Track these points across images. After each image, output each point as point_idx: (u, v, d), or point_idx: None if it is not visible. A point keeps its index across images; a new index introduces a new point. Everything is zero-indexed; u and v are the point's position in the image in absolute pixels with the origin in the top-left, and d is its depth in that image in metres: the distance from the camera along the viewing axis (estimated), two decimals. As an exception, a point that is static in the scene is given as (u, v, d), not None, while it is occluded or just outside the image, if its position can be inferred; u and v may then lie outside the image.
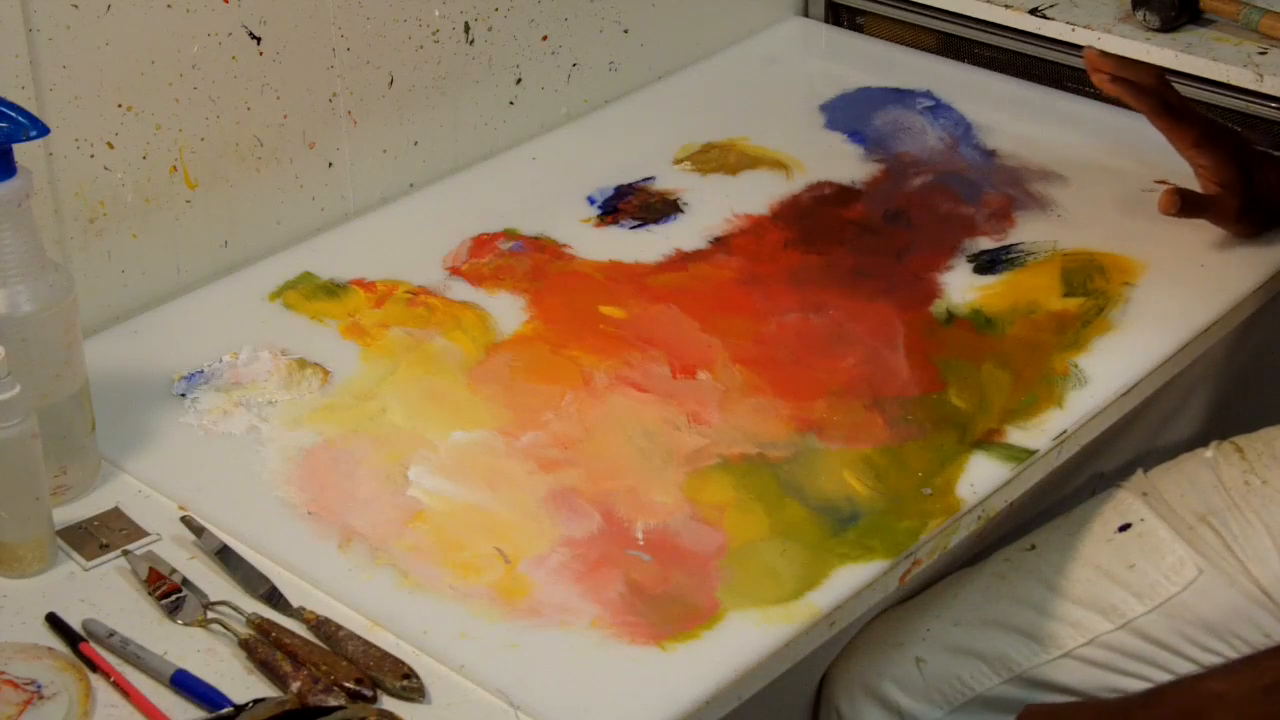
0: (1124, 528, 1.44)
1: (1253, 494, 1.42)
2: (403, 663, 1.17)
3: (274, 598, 1.23)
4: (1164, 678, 1.41)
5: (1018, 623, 1.44)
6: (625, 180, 1.75)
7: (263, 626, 1.20)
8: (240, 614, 1.21)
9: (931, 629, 1.45)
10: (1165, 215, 1.57)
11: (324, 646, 1.18)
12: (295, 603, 1.22)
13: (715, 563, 1.27)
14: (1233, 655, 1.40)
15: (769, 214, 1.70)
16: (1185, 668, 1.40)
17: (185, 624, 1.21)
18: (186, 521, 1.28)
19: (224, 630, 1.20)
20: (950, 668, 1.44)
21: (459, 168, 1.78)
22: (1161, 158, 1.72)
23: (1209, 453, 1.48)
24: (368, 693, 1.15)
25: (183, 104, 1.52)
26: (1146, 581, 1.42)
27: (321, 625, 1.20)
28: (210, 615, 1.21)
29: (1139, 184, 1.74)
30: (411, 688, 1.15)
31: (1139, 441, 1.61)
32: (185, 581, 1.24)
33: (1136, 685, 1.41)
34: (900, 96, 1.91)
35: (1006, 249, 1.64)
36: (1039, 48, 1.95)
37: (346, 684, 1.15)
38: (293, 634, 1.19)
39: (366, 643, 1.18)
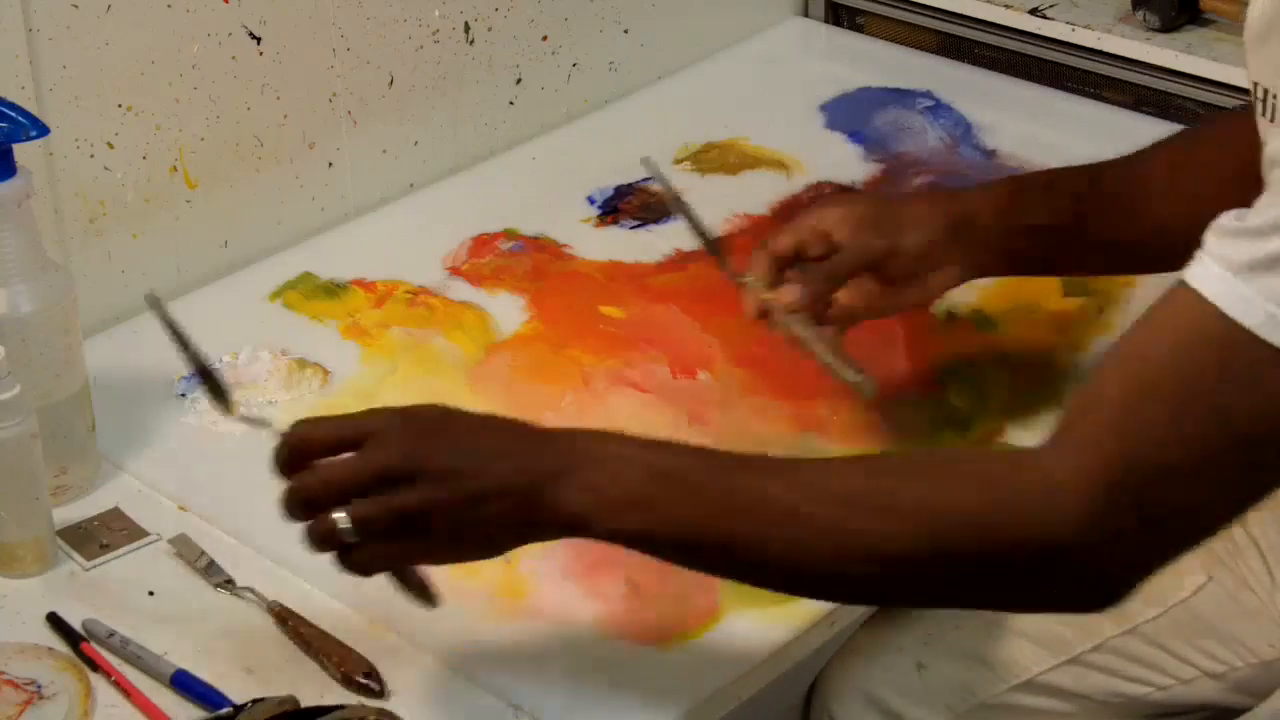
0: None
1: None
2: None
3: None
4: (1169, 683, 1.40)
5: (1023, 626, 1.42)
6: (625, 180, 1.75)
7: (281, 614, 1.20)
8: (263, 600, 1.22)
9: (932, 633, 1.44)
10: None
11: (338, 638, 1.19)
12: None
13: (715, 563, 1.27)
14: (1239, 664, 1.39)
15: (769, 214, 1.70)
16: (1190, 674, 1.40)
17: (216, 586, 1.24)
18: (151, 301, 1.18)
19: (254, 598, 1.22)
20: (954, 674, 1.43)
21: (459, 168, 1.78)
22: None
23: None
24: (375, 686, 1.15)
25: (183, 104, 1.52)
26: (1155, 586, 1.41)
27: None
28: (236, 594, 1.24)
29: (1139, 184, 1.73)
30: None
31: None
32: (212, 563, 1.26)
33: (1143, 690, 1.40)
34: (900, 96, 1.91)
35: (1006, 249, 1.63)
36: (1039, 48, 1.95)
37: (357, 677, 1.15)
38: (309, 624, 1.19)
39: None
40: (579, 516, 1.06)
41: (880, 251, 1.33)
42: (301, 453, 1.07)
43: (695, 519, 1.06)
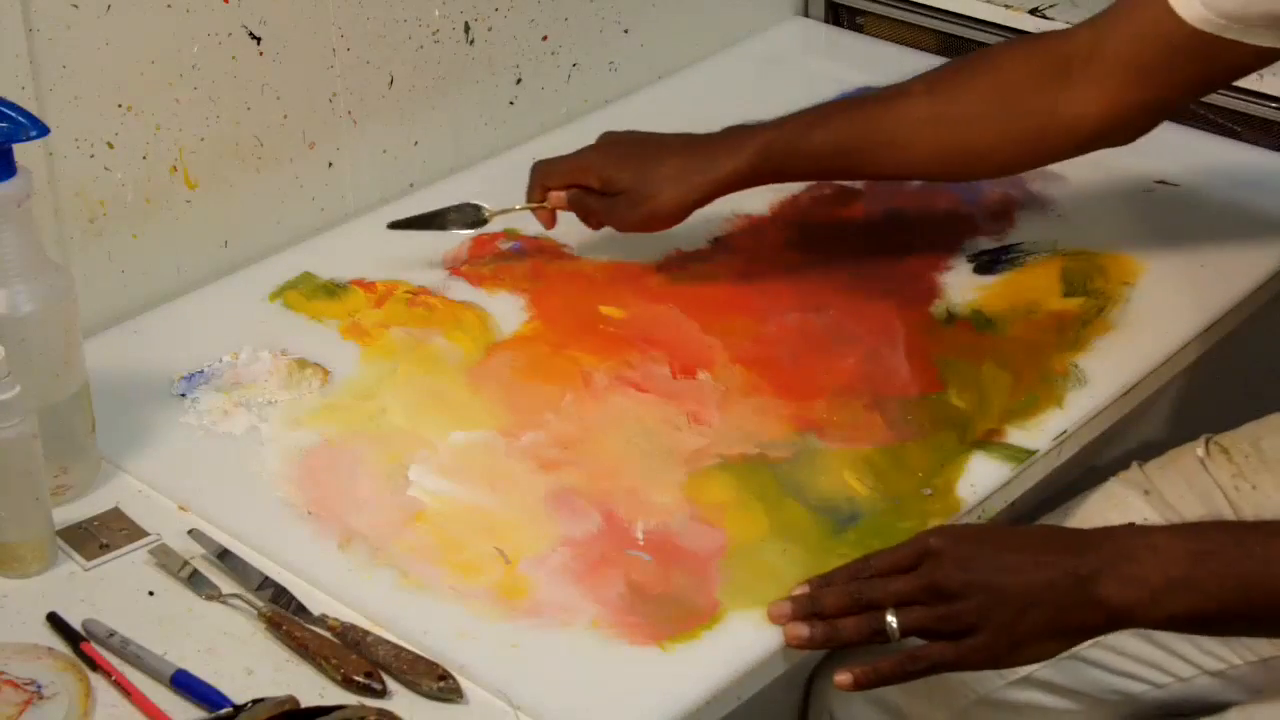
0: None
1: (1244, 499, 1.42)
2: (437, 664, 1.16)
3: (285, 603, 1.22)
4: (1166, 680, 1.40)
5: None
6: (625, 180, 1.75)
7: (274, 619, 1.20)
8: (253, 608, 1.22)
9: None
10: None
11: (334, 640, 1.19)
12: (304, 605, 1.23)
13: (715, 563, 1.27)
14: (1237, 661, 1.39)
15: (769, 214, 1.70)
16: (1188, 671, 1.40)
17: (207, 597, 1.22)
18: (195, 535, 1.28)
19: (244, 605, 1.21)
20: None
21: (459, 168, 1.78)
22: (1162, 158, 1.72)
23: (1199, 450, 1.47)
24: (377, 685, 1.15)
25: (183, 104, 1.52)
26: None
27: (346, 632, 1.20)
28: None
29: (1139, 184, 1.74)
30: (449, 689, 1.15)
31: (1136, 436, 1.61)
32: (196, 574, 1.24)
33: (1141, 688, 1.40)
34: (900, 96, 1.90)
35: (1006, 249, 1.64)
36: (1039, 48, 1.94)
37: (357, 678, 1.15)
38: (304, 627, 1.19)
39: (396, 646, 1.18)
40: (1123, 610, 1.15)
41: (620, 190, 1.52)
42: (864, 569, 1.20)
43: (1241, 591, 1.15)
